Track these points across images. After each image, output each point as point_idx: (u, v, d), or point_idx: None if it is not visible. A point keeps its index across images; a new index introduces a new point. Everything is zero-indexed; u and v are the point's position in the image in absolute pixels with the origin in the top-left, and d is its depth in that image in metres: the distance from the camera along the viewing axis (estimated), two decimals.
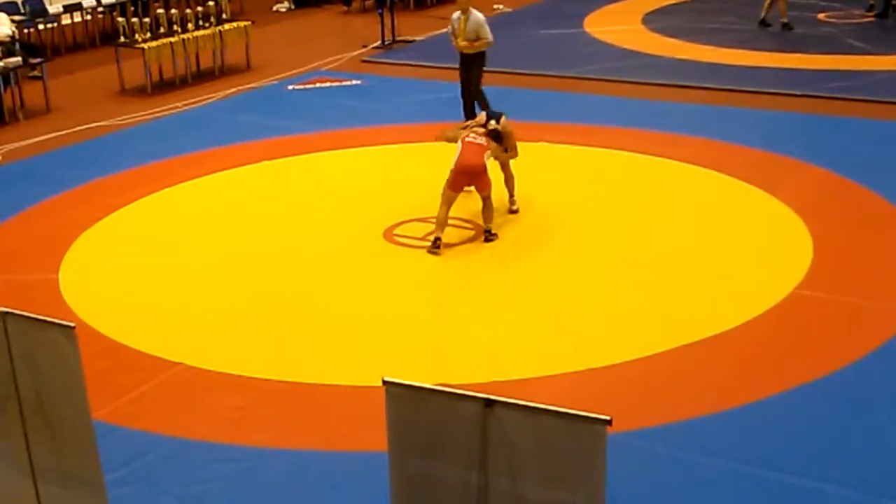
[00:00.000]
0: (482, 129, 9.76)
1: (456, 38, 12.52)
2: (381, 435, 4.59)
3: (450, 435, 4.33)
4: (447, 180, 9.49)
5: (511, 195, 10.34)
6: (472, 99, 12.60)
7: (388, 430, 4.48)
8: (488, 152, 9.58)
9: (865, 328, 8.05)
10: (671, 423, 6.92)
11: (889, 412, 6.97)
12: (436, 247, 9.46)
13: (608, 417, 4.04)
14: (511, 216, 10.25)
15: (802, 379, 7.35)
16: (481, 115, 10.15)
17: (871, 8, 18.18)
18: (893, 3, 17.58)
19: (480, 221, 9.95)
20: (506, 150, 10.05)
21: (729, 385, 7.37)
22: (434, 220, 9.65)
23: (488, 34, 12.42)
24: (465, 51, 12.48)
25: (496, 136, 9.69)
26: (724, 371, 7.59)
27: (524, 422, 4.18)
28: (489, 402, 4.22)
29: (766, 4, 17.41)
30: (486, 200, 9.62)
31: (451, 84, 13.97)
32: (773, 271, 8.98)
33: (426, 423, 4.38)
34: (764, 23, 17.43)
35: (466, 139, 9.53)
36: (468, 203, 10.09)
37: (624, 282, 8.96)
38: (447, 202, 9.48)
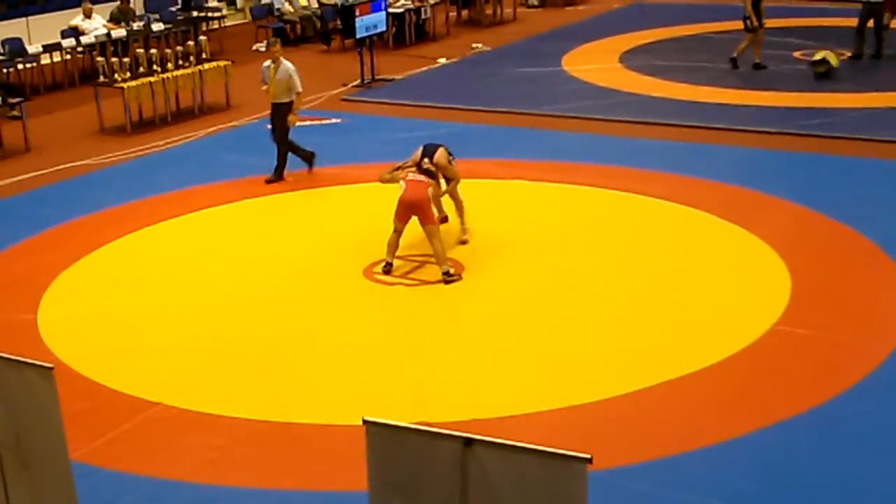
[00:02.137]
0: (415, 169, 10.12)
1: (266, 87, 12.70)
2: (361, 474, 4.58)
3: (430, 474, 4.33)
4: (394, 212, 9.93)
5: (462, 223, 10.56)
6: (285, 147, 12.75)
7: (369, 470, 4.48)
8: (431, 188, 10.01)
9: (844, 364, 8.09)
10: (651, 460, 6.92)
11: (868, 448, 7.00)
12: (385, 272, 9.84)
13: (588, 455, 4.05)
14: (493, 254, 10.28)
15: (782, 415, 7.37)
16: (416, 154, 10.31)
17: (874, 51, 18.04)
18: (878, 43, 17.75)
19: (459, 259, 10.00)
20: (448, 181, 10.39)
21: (709, 422, 7.39)
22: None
23: (298, 84, 12.67)
24: (272, 99, 12.69)
25: (429, 174, 10.07)
26: (704, 408, 7.60)
27: (504, 461, 4.19)
28: (468, 441, 4.22)
29: (742, 46, 17.52)
30: (432, 239, 9.81)
31: (431, 122, 14.06)
32: (751, 307, 9.03)
33: (406, 462, 4.38)
34: (734, 62, 17.57)
35: (409, 178, 9.96)
36: (448, 240, 10.22)
37: (603, 319, 8.98)
38: (396, 230, 9.96)
